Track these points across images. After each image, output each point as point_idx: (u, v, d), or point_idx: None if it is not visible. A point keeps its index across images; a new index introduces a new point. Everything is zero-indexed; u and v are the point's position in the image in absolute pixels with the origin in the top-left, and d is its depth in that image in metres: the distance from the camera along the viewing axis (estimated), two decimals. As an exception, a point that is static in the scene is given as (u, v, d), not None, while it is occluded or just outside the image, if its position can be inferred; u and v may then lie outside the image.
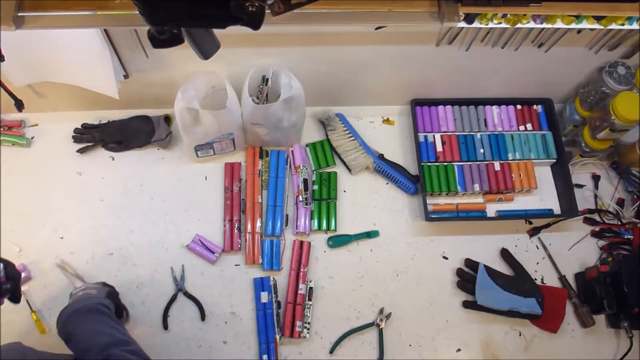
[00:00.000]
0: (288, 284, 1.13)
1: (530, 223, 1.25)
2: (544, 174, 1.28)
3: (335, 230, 1.20)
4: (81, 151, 1.22)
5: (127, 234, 1.18)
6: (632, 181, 1.28)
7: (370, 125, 1.32)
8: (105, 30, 0.99)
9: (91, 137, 1.23)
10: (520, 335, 1.15)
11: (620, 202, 1.27)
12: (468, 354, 1.13)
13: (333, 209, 1.21)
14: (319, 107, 1.29)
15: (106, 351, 0.82)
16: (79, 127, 1.24)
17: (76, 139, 1.23)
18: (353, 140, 1.26)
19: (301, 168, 1.20)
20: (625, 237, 1.23)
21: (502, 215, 1.23)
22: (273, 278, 1.13)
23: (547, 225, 1.24)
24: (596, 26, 0.95)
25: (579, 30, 1.05)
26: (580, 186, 1.28)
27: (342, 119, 1.27)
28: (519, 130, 1.29)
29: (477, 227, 1.23)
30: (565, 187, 1.24)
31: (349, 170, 1.26)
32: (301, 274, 1.14)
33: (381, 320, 1.13)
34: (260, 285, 1.12)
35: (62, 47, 1.02)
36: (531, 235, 1.23)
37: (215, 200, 1.21)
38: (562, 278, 1.19)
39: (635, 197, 1.26)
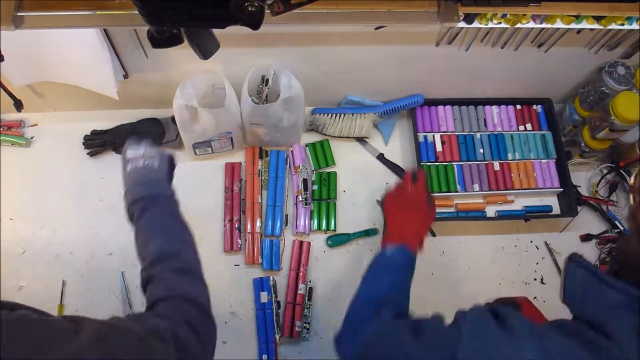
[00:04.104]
0: (288, 284, 1.13)
1: (528, 221, 1.25)
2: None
3: (334, 230, 1.20)
4: (92, 154, 1.22)
5: (127, 234, 1.15)
6: (632, 181, 1.28)
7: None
8: (104, 30, 0.99)
9: (102, 141, 1.22)
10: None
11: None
12: (468, 354, 1.13)
13: (333, 209, 1.21)
14: (318, 107, 1.29)
15: (151, 269, 0.73)
16: (88, 134, 1.24)
17: (87, 145, 1.23)
18: (344, 115, 1.25)
19: (301, 168, 1.20)
20: (616, 231, 1.24)
21: (502, 215, 1.23)
22: (273, 278, 1.13)
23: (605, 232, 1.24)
24: (596, 26, 0.95)
25: (579, 30, 1.05)
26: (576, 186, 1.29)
27: (321, 110, 1.27)
28: (518, 130, 1.29)
29: (477, 227, 1.23)
30: (564, 187, 1.24)
31: (365, 140, 1.28)
32: (301, 274, 1.14)
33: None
34: (260, 285, 1.12)
35: (61, 47, 1.02)
36: (583, 241, 1.24)
37: (215, 200, 1.21)
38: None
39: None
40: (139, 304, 1.11)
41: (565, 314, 0.64)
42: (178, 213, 0.83)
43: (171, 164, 0.90)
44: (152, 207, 0.79)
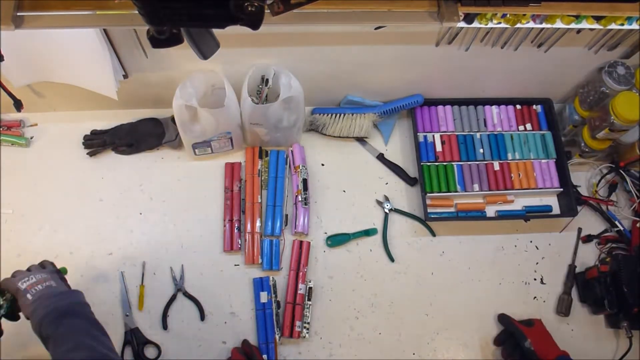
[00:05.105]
0: (287, 284, 1.13)
1: (528, 221, 1.25)
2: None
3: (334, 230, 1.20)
4: (91, 154, 1.22)
5: (126, 233, 1.18)
6: (632, 181, 1.28)
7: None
8: (104, 30, 0.99)
9: (101, 141, 1.22)
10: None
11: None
12: (468, 354, 1.13)
13: (333, 209, 1.21)
14: (318, 107, 1.29)
15: None
16: (88, 134, 1.23)
17: (87, 145, 1.23)
18: (344, 115, 1.25)
19: (300, 168, 1.20)
20: (615, 230, 1.24)
21: (502, 215, 1.23)
22: (272, 278, 1.13)
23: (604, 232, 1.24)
24: (596, 26, 0.95)
25: (579, 30, 1.05)
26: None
27: (320, 110, 1.27)
28: (518, 130, 1.29)
29: (477, 227, 1.23)
30: (564, 186, 1.24)
31: (365, 140, 1.27)
32: (300, 273, 1.14)
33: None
34: (260, 285, 1.12)
35: (61, 47, 1.02)
36: (584, 242, 1.24)
37: (215, 200, 1.21)
38: (567, 282, 1.20)
39: (635, 197, 1.26)
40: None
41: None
42: (94, 317, 0.86)
43: (61, 275, 0.93)
44: (71, 316, 0.82)
